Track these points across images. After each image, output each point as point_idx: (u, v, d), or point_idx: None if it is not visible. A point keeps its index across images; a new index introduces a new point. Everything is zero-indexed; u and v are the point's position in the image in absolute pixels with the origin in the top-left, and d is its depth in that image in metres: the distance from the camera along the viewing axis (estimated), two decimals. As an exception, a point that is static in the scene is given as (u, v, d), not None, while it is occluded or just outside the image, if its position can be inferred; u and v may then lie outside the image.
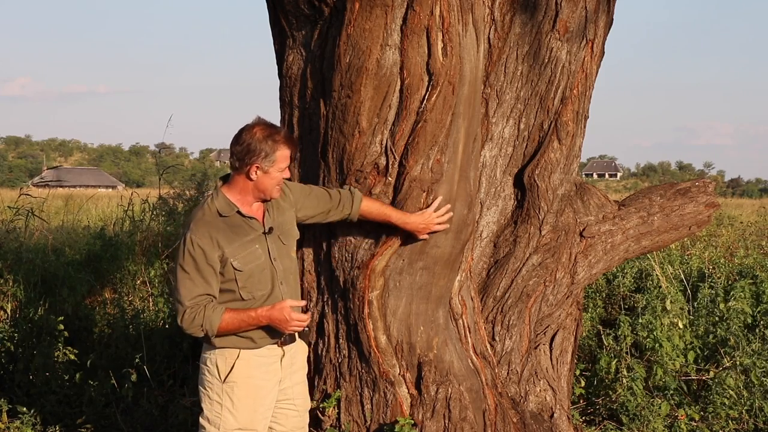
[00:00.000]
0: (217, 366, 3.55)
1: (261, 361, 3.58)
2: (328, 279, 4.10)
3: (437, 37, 3.81)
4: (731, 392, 5.77)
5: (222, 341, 3.52)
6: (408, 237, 3.93)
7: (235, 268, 3.48)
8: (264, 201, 3.62)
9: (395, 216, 3.83)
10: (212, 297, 3.47)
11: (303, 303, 3.63)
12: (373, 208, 3.83)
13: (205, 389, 3.59)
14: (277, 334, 3.59)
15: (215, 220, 3.50)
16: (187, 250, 3.44)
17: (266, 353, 3.59)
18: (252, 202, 3.59)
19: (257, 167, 3.50)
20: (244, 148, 3.49)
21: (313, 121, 4.04)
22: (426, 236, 3.88)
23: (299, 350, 3.79)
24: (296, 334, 3.70)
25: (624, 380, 5.85)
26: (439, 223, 3.88)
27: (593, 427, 5.72)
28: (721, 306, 6.67)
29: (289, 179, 3.68)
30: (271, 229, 3.60)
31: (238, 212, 3.54)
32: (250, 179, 3.52)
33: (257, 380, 3.57)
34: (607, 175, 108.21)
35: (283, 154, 3.52)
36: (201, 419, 3.61)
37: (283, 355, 3.66)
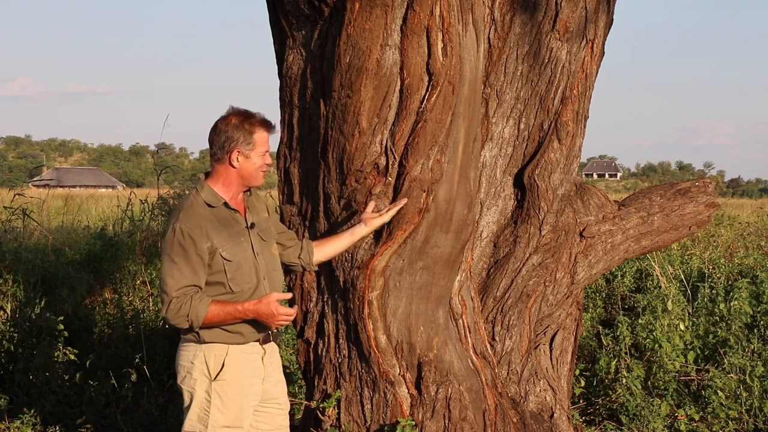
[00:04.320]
0: (206, 363, 3.50)
1: (247, 357, 3.57)
2: (328, 279, 4.10)
3: (437, 37, 3.81)
4: (731, 392, 5.77)
5: (210, 335, 3.47)
6: (408, 237, 3.93)
7: (224, 259, 3.46)
8: (247, 191, 3.62)
9: (358, 231, 3.86)
10: (199, 288, 3.44)
11: (289, 296, 3.61)
12: (332, 243, 3.88)
13: (190, 386, 3.53)
14: (263, 329, 3.57)
15: (203, 210, 3.49)
16: (177, 240, 3.40)
17: (251, 350, 3.58)
18: (236, 194, 3.59)
19: (238, 152, 3.51)
20: (223, 137, 3.51)
21: (313, 121, 4.03)
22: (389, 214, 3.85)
23: (274, 349, 3.76)
24: (271, 335, 3.67)
25: (624, 380, 5.85)
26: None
27: (593, 427, 5.72)
28: (721, 306, 6.67)
29: (269, 165, 3.64)
30: (253, 224, 3.62)
31: (225, 204, 3.54)
32: (233, 166, 3.52)
33: (245, 378, 3.56)
34: (607, 175, 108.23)
35: (261, 136, 3.52)
36: (187, 417, 3.53)
37: (264, 353, 3.64)
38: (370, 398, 4.04)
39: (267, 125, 3.58)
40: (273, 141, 3.70)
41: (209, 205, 3.50)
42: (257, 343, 3.60)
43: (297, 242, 3.89)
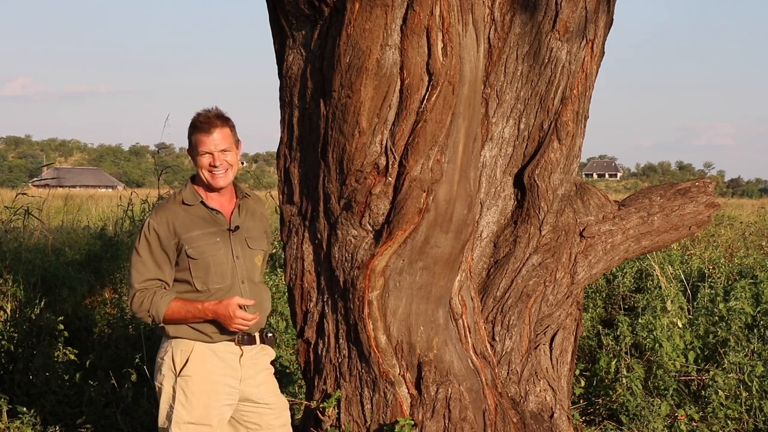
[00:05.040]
0: (172, 358, 3.53)
1: (217, 356, 3.56)
2: (328, 279, 4.10)
3: (437, 37, 3.81)
4: (731, 392, 5.77)
5: (176, 331, 3.51)
6: (408, 237, 3.93)
7: (188, 256, 3.49)
8: (212, 191, 3.60)
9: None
10: (163, 283, 3.50)
11: (251, 302, 3.53)
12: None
13: (159, 381, 3.56)
14: (229, 331, 3.55)
15: (177, 208, 3.56)
16: (143, 233, 3.51)
17: (223, 349, 3.56)
18: (215, 195, 3.61)
19: (189, 155, 3.61)
20: None
21: (313, 121, 4.03)
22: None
23: (263, 353, 3.72)
24: (257, 337, 3.65)
25: (624, 380, 5.85)
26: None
27: (593, 427, 5.72)
28: (721, 306, 6.67)
29: (215, 167, 3.53)
30: (237, 227, 3.60)
31: (202, 202, 3.57)
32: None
33: (212, 375, 3.53)
34: (607, 175, 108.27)
35: (196, 138, 3.53)
36: (158, 413, 3.56)
37: (242, 354, 3.61)
38: (370, 398, 4.04)
39: (197, 126, 3.54)
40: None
41: (186, 204, 3.56)
42: (231, 343, 3.58)
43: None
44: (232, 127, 3.61)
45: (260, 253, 3.69)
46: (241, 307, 3.50)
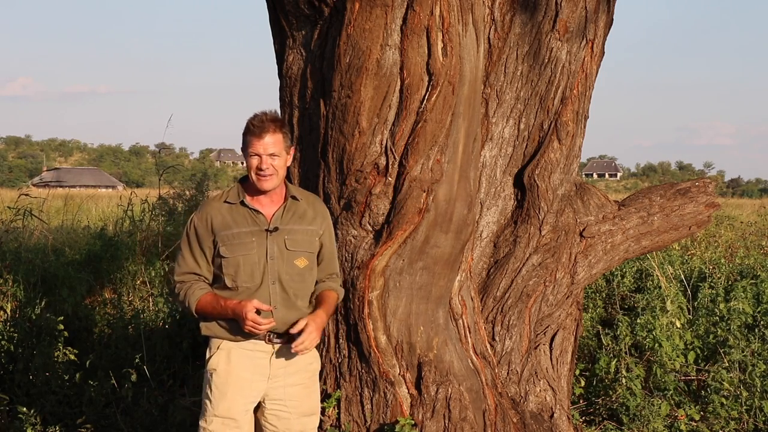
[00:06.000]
0: (207, 354, 3.65)
1: (245, 353, 3.59)
2: (328, 279, 4.10)
3: (437, 37, 3.81)
4: (731, 392, 5.77)
5: (207, 329, 3.63)
6: (408, 237, 3.93)
7: (221, 255, 3.57)
8: (259, 192, 3.61)
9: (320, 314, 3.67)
10: (201, 277, 3.61)
11: (267, 308, 3.53)
12: (320, 303, 3.70)
13: (204, 377, 3.71)
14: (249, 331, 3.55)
15: (219, 206, 3.64)
16: (186, 229, 3.67)
17: (252, 347, 3.60)
18: (260, 196, 3.63)
19: (243, 155, 3.66)
20: None
21: (313, 121, 4.04)
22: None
23: (302, 355, 3.66)
24: (285, 337, 3.60)
25: (624, 380, 5.85)
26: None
27: (593, 427, 5.72)
28: (721, 306, 6.67)
29: (261, 170, 3.56)
30: (276, 228, 3.61)
31: (242, 202, 3.61)
32: None
33: (238, 371, 3.58)
34: (607, 175, 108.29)
35: (248, 140, 3.58)
36: None
37: (273, 353, 3.62)
38: (370, 398, 4.04)
39: (251, 129, 3.57)
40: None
41: (228, 202, 3.64)
42: (262, 342, 3.60)
43: (321, 283, 3.74)
44: (285, 133, 3.62)
45: (303, 254, 3.64)
46: (259, 312, 3.51)
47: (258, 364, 3.61)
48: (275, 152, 3.56)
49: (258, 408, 3.68)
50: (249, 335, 3.57)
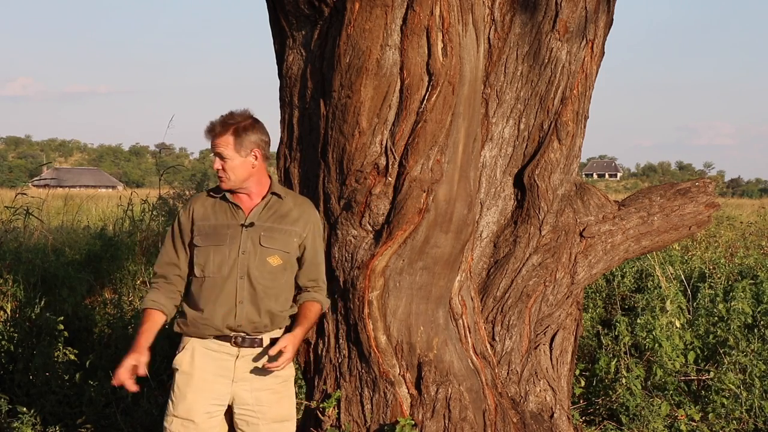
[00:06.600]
0: (176, 353, 3.68)
1: (209, 354, 3.56)
2: (328, 279, 4.09)
3: (437, 37, 3.81)
4: (731, 392, 5.77)
5: (176, 326, 3.67)
6: (408, 237, 3.93)
7: (194, 244, 3.61)
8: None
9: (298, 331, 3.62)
10: (177, 267, 3.65)
11: (143, 373, 3.50)
12: (300, 318, 3.66)
13: None
14: (222, 330, 3.54)
15: (203, 198, 3.70)
16: (174, 220, 3.73)
17: (217, 347, 3.57)
18: (239, 191, 3.65)
19: None
20: None
21: (313, 121, 4.04)
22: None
23: (266, 360, 3.59)
24: (262, 340, 3.56)
25: (624, 380, 5.85)
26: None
27: (593, 427, 5.72)
28: (721, 306, 6.67)
29: (217, 170, 3.60)
30: (252, 224, 3.59)
31: (223, 196, 3.64)
32: None
33: (200, 371, 3.54)
34: (607, 175, 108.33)
35: (208, 141, 3.64)
36: None
37: (238, 356, 3.57)
38: (370, 398, 4.04)
39: (211, 129, 3.59)
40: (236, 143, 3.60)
41: (212, 196, 3.69)
42: (228, 343, 3.56)
43: (304, 291, 3.70)
44: (239, 134, 3.52)
45: (278, 253, 3.59)
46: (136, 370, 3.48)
47: (222, 366, 3.56)
48: (223, 154, 3.54)
49: (230, 413, 3.63)
50: (216, 334, 3.55)
